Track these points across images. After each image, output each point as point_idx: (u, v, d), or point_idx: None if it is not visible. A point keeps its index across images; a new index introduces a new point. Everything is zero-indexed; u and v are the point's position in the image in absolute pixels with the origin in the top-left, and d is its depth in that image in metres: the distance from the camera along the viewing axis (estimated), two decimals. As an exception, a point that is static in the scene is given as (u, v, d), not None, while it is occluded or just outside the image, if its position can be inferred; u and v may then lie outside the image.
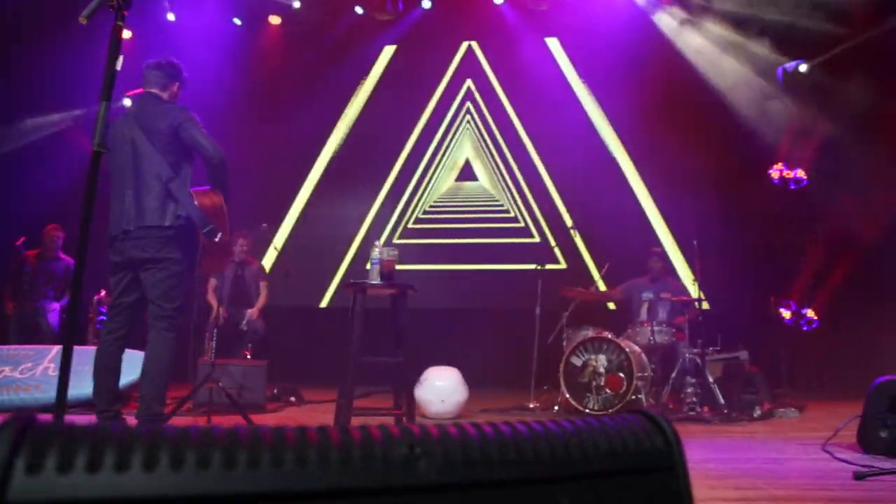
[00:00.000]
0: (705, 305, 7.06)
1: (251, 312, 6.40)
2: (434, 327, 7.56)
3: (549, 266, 8.10)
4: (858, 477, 2.73)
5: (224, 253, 3.68)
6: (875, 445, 3.39)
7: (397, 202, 9.01)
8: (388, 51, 9.14)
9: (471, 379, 6.63)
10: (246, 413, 4.43)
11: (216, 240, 3.03)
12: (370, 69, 9.07)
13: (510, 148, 8.89)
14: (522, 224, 8.71)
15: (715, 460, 3.22)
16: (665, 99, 7.55)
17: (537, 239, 8.64)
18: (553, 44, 8.91)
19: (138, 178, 3.11)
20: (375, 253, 3.28)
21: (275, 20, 9.07)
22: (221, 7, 8.63)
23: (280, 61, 8.91)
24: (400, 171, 9.06)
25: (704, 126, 7.32)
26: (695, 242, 5.64)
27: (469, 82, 9.15)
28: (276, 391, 6.14)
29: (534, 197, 8.67)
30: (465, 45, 9.19)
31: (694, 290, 5.68)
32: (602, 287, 6.74)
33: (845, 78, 6.74)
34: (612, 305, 7.05)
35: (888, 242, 6.56)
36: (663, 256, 6.26)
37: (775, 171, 7.27)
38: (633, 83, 7.73)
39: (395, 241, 8.87)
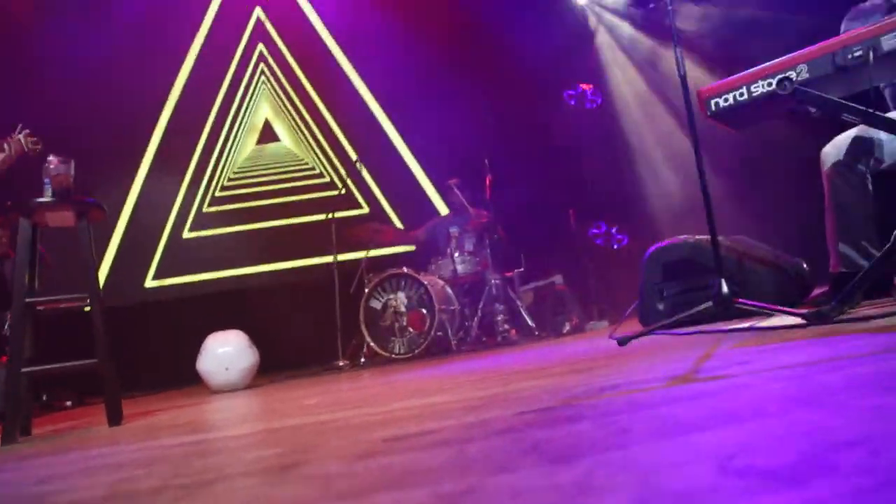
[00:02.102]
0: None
1: (13, 312, 5.42)
2: (235, 296, 6.88)
3: (352, 212, 7.67)
4: (621, 342, 2.45)
5: None
6: (655, 319, 3.19)
7: (201, 175, 8.12)
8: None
9: (279, 350, 6.05)
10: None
11: None
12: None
13: (304, 105, 8.29)
14: (328, 179, 8.18)
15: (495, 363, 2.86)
16: (453, 27, 7.25)
17: (363, 203, 8.12)
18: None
19: None
20: (47, 168, 2.58)
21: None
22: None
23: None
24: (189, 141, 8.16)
25: (497, 47, 7.06)
26: (486, 161, 5.36)
27: (261, 45, 8.43)
28: (44, 397, 5.27)
29: (333, 151, 8.14)
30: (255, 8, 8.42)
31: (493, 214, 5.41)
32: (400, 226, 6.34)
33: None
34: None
35: (674, 158, 6.67)
36: (462, 188, 5.91)
37: (571, 94, 7.22)
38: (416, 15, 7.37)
39: (205, 209, 8.00)
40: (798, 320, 1.99)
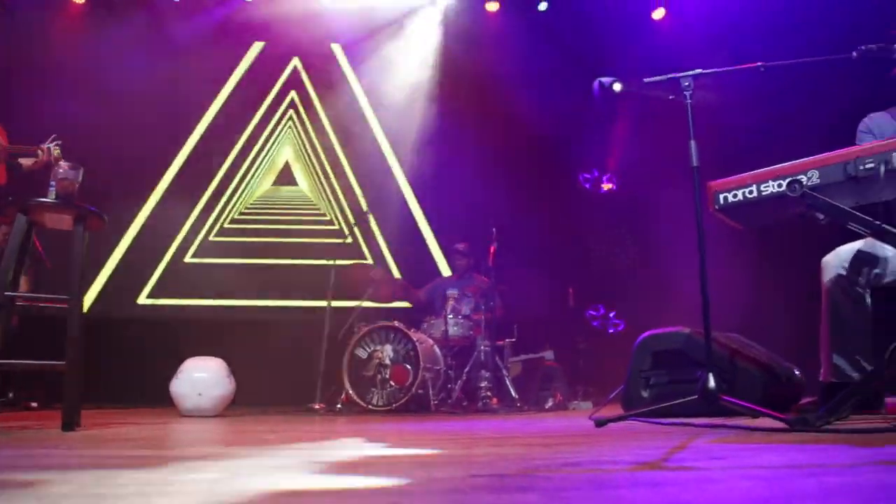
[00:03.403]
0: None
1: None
2: (223, 325, 6.79)
3: (355, 261, 7.57)
4: (598, 424, 2.35)
5: None
6: (638, 406, 3.08)
7: (214, 205, 8.10)
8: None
9: (257, 384, 5.90)
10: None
11: None
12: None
13: (326, 153, 8.28)
14: (337, 226, 8.13)
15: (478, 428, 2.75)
16: (477, 101, 7.30)
17: (367, 255, 8.03)
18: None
19: None
20: (55, 172, 2.58)
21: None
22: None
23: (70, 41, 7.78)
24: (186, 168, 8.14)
25: (516, 128, 7.13)
26: (494, 230, 5.36)
27: (293, 92, 8.52)
28: (11, 395, 5.18)
29: (347, 201, 8.11)
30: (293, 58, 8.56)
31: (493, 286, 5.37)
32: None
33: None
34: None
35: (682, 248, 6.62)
36: (466, 253, 5.86)
37: (586, 177, 7.26)
38: (444, 85, 7.49)
39: (211, 238, 7.93)
40: (781, 424, 1.90)
